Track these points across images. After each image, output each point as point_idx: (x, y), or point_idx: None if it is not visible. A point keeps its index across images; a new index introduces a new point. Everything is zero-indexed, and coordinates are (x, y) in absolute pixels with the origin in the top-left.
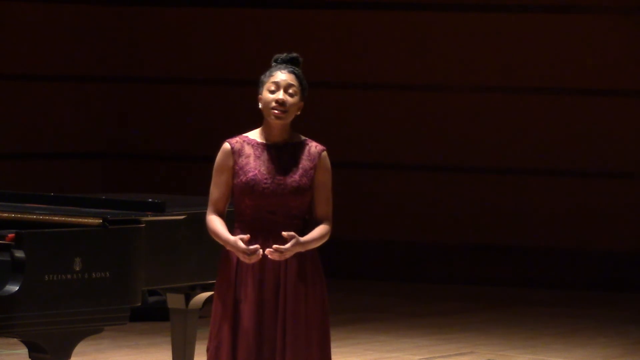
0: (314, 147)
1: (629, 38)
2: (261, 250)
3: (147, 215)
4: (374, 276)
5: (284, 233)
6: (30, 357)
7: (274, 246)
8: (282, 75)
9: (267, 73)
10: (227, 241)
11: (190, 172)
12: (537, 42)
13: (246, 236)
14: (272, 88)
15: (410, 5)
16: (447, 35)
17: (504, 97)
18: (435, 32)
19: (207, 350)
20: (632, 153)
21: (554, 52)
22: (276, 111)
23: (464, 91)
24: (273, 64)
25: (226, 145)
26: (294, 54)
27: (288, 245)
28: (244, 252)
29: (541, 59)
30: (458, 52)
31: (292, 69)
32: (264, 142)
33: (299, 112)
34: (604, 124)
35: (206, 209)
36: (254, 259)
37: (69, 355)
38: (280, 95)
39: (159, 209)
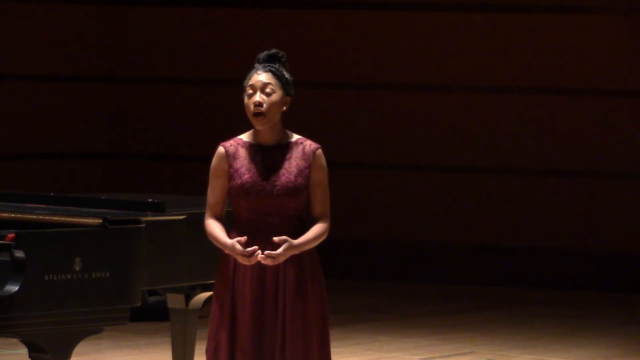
0: (308, 145)
1: (629, 38)
2: (260, 252)
3: (147, 215)
4: (374, 276)
5: (275, 238)
6: (30, 357)
7: (266, 252)
8: (258, 77)
9: (248, 76)
10: (224, 245)
11: (190, 172)
12: (537, 42)
13: (243, 238)
14: (250, 91)
15: (410, 6)
16: (447, 35)
17: (504, 97)
18: (435, 32)
19: (206, 351)
20: (632, 153)
21: (554, 52)
22: (255, 117)
23: (464, 91)
24: (255, 64)
25: (220, 149)
26: (273, 51)
27: (280, 250)
28: (242, 254)
29: (541, 59)
30: (458, 52)
31: (269, 67)
32: (257, 143)
33: (285, 108)
34: (604, 124)
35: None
36: (253, 261)
37: (69, 355)
38: (256, 97)
39: (159, 209)
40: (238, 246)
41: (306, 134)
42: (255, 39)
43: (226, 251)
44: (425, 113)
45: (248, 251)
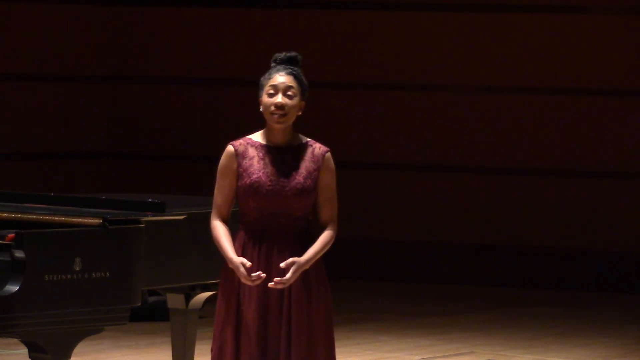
0: (317, 148)
1: (629, 38)
2: (264, 275)
3: (147, 215)
4: (374, 276)
5: (282, 264)
6: (30, 357)
7: (275, 279)
8: (280, 78)
9: (266, 75)
10: (230, 260)
11: (190, 172)
12: (537, 42)
13: (248, 264)
14: (271, 91)
15: (410, 6)
16: (447, 35)
17: (504, 97)
18: (435, 32)
19: (211, 350)
20: (632, 153)
21: (554, 52)
22: (276, 115)
23: (464, 91)
24: (272, 64)
25: (230, 148)
26: (293, 53)
27: (289, 275)
28: (245, 277)
29: (541, 59)
30: (458, 52)
31: (290, 70)
32: (267, 144)
33: (300, 113)
34: (604, 124)
35: (206, 209)
36: (256, 283)
37: (69, 355)
38: (279, 98)
39: (159, 209)
40: (242, 269)
41: (306, 134)
42: (256, 39)
43: (230, 266)
44: (424, 113)
45: (253, 277)
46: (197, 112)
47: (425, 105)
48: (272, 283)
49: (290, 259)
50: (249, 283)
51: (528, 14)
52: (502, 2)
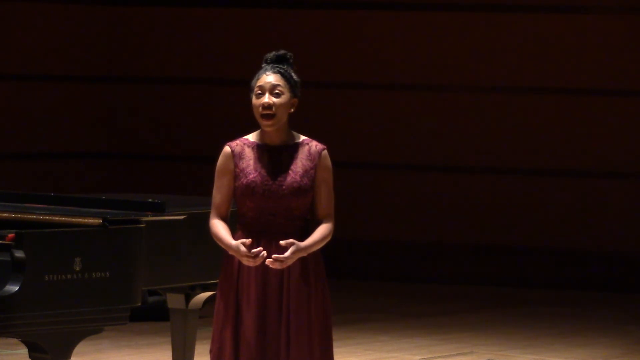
0: (314, 146)
1: (629, 38)
2: (265, 253)
3: (147, 215)
4: (374, 276)
5: (282, 242)
6: (30, 357)
7: (274, 255)
8: (267, 78)
9: (255, 77)
10: (229, 246)
11: (190, 172)
12: (537, 42)
13: (248, 240)
14: (259, 92)
15: (410, 6)
16: (447, 35)
17: (504, 97)
18: (435, 32)
19: (210, 352)
20: (632, 153)
21: (554, 52)
22: (264, 119)
23: (464, 91)
24: (263, 65)
25: (227, 149)
26: (282, 52)
27: (287, 253)
28: (246, 256)
29: (541, 59)
30: (458, 52)
31: (278, 69)
32: (263, 144)
33: (292, 110)
34: (604, 124)
35: (206, 209)
36: (258, 261)
37: (69, 356)
38: (265, 98)
39: (159, 209)
40: (243, 248)
41: (306, 134)
42: (256, 39)
43: (230, 252)
44: (425, 113)
45: (253, 252)
46: (196, 112)
47: (426, 105)
48: (270, 260)
49: (291, 240)
50: (251, 263)
51: (528, 14)
52: (502, 2)
